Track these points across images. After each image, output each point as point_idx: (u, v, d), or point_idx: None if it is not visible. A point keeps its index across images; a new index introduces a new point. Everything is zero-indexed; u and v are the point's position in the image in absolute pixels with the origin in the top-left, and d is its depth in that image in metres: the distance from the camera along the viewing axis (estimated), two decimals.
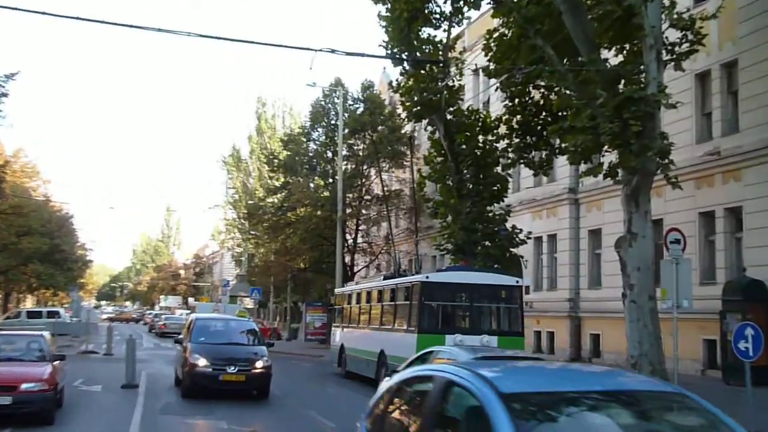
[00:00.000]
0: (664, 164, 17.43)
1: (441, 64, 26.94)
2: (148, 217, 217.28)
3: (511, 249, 28.08)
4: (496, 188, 28.09)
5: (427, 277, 21.71)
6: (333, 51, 18.15)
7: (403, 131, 47.29)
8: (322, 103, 50.08)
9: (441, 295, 22.00)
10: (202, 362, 19.51)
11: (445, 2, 27.17)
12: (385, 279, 25.87)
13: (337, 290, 34.05)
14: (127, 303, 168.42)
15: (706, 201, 25.51)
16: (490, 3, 23.88)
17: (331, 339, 32.75)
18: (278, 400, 20.09)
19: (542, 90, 23.32)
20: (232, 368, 19.42)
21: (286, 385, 23.01)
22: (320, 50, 18.35)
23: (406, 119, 32.97)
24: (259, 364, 19.86)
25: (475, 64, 31.16)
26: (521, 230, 28.41)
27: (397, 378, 6.71)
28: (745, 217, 24.22)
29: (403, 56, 27.54)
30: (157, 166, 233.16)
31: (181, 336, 22.81)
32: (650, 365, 17.42)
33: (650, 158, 17.15)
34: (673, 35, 19.22)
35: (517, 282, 21.88)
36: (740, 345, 13.93)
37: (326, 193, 47.55)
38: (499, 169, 28.17)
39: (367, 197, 49.02)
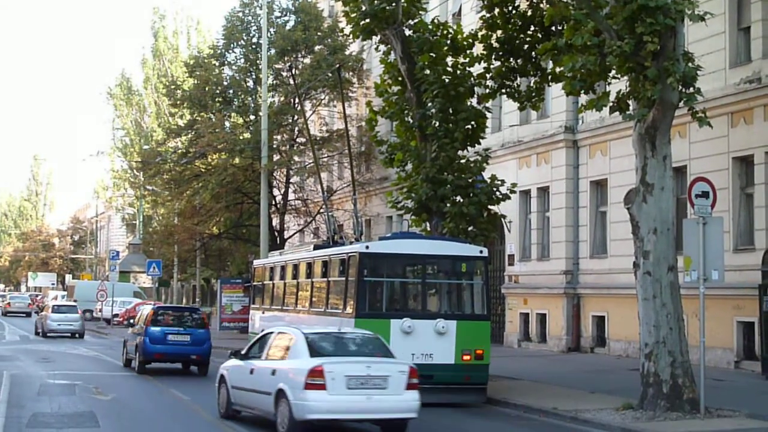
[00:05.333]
0: (688, 94, 17.51)
1: None
2: (10, 168, 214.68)
3: (491, 206, 28.13)
4: (470, 127, 28.02)
5: (367, 247, 22.10)
6: None
7: (348, 52, 46.91)
8: (240, 14, 49.46)
9: (385, 269, 22.51)
10: None
11: None
12: (315, 249, 26.18)
13: (256, 262, 34.05)
14: None
15: (742, 142, 25.75)
16: None
17: (250, 325, 32.94)
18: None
19: None
20: None
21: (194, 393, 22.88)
22: None
23: (351, 36, 32.67)
24: None
25: None
26: (503, 182, 28.41)
27: None
28: None
29: None
30: (21, 101, 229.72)
31: None
32: (670, 355, 17.65)
33: (670, 86, 17.21)
34: None
35: (481, 252, 22.56)
36: None
37: (246, 135, 47.17)
38: (474, 101, 28.10)
39: (301, 140, 48.73)
